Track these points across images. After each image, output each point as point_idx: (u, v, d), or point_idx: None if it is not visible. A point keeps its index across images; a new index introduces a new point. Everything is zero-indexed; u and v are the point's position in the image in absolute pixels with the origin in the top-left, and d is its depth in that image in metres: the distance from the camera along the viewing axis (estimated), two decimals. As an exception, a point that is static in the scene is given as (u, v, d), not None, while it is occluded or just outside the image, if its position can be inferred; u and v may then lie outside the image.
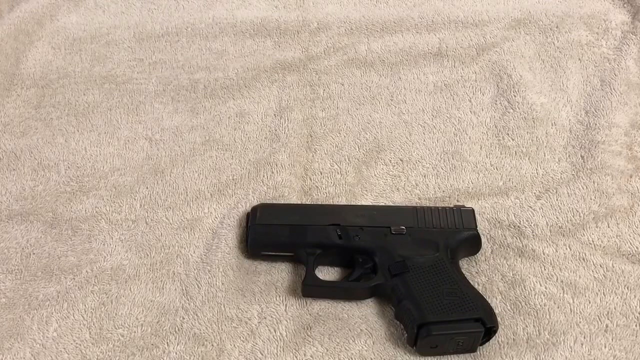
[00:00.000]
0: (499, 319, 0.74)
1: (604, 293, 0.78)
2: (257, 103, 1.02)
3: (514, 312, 0.77)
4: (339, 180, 0.92)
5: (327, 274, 0.83)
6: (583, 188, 0.89)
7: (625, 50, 1.06)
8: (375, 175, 0.93)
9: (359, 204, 0.89)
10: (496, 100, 1.01)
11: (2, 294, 0.80)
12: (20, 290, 0.80)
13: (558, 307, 0.77)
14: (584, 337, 0.74)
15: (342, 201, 0.89)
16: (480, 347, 0.74)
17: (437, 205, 0.86)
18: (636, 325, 0.76)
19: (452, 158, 0.94)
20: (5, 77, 1.06)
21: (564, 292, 0.79)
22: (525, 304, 0.78)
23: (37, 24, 1.14)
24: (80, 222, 0.87)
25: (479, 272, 0.81)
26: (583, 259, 0.82)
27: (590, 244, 0.83)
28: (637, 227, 0.85)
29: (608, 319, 0.76)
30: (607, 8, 1.13)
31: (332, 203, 0.89)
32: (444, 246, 0.80)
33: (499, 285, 0.80)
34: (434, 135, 0.97)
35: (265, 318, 0.77)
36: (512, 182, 0.91)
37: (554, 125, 0.97)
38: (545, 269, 0.81)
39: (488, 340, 0.74)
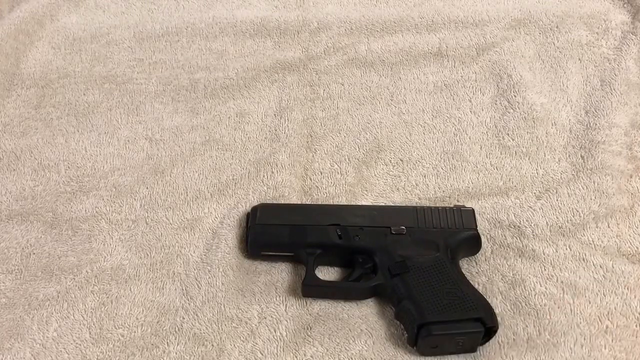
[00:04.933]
0: (499, 319, 0.74)
1: (604, 293, 0.78)
2: (257, 103, 1.02)
3: (514, 312, 0.77)
4: (339, 180, 0.92)
5: (327, 274, 0.83)
6: (583, 188, 0.89)
7: (625, 50, 1.06)
8: (375, 175, 0.93)
9: (359, 204, 0.89)
10: (496, 100, 1.01)
11: (2, 294, 0.80)
12: (20, 290, 0.80)
13: (558, 308, 0.77)
14: (584, 338, 0.74)
15: (342, 201, 0.89)
16: (481, 347, 0.74)
17: (437, 205, 0.86)
18: (636, 326, 0.76)
19: (452, 158, 0.94)
20: (5, 77, 1.06)
21: (564, 292, 0.79)
22: (526, 304, 0.78)
23: (37, 24, 1.14)
24: (80, 222, 0.87)
25: (479, 272, 0.81)
26: (583, 259, 0.82)
27: (590, 244, 0.83)
28: (637, 227, 0.85)
29: (608, 319, 0.76)
30: (607, 8, 1.13)
31: (332, 203, 0.89)
32: (444, 246, 0.80)
33: (499, 285, 0.80)
34: (434, 135, 0.97)
35: (265, 318, 0.77)
36: (512, 182, 0.91)
37: (554, 125, 0.97)
38: (545, 269, 0.81)
39: (488, 340, 0.74)
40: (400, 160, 0.94)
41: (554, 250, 0.83)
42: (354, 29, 1.12)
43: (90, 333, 0.76)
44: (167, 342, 0.75)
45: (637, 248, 0.82)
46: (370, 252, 0.80)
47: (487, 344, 0.74)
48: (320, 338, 0.76)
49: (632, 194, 0.88)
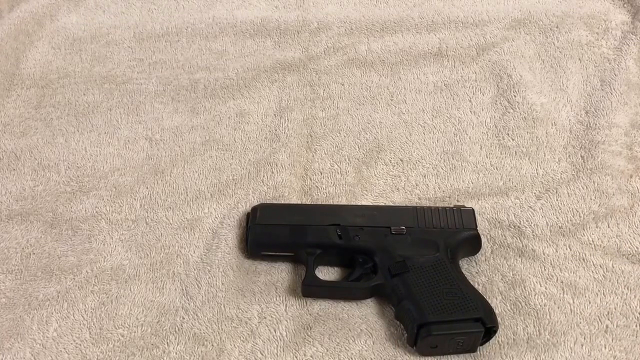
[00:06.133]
0: (499, 319, 0.74)
1: (604, 293, 0.78)
2: (257, 103, 1.02)
3: (514, 312, 0.77)
4: (339, 180, 0.92)
5: (327, 274, 0.83)
6: (583, 188, 0.89)
7: (625, 50, 1.06)
8: (375, 175, 0.93)
9: (359, 204, 0.89)
10: (496, 100, 1.01)
11: (2, 294, 0.80)
12: (20, 290, 0.80)
13: (558, 308, 0.77)
14: (584, 338, 0.74)
15: (342, 201, 0.89)
16: (481, 347, 0.74)
17: (437, 205, 0.86)
18: (636, 326, 0.76)
19: (452, 158, 0.94)
20: (5, 77, 1.06)
21: (564, 292, 0.79)
22: (526, 304, 0.78)
23: (37, 24, 1.14)
24: (80, 222, 0.87)
25: (479, 272, 0.81)
26: (583, 259, 0.82)
27: (590, 244, 0.83)
28: (637, 227, 0.85)
29: (608, 319, 0.76)
30: (607, 8, 1.13)
31: (332, 203, 0.89)
32: (444, 246, 0.80)
33: (499, 286, 0.80)
34: (434, 135, 0.97)
35: (265, 318, 0.77)
36: (512, 182, 0.91)
37: (554, 125, 0.97)
38: (545, 269, 0.81)
39: (488, 340, 0.74)
40: (400, 160, 0.94)
41: (554, 250, 0.83)
42: (354, 29, 1.12)
43: (90, 333, 0.76)
44: (167, 342, 0.75)
45: (637, 248, 0.83)
46: (370, 252, 0.80)
47: (487, 344, 0.74)
48: (320, 338, 0.76)
49: (632, 194, 0.88)
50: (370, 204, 0.89)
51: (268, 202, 0.88)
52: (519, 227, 0.85)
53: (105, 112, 1.01)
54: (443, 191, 0.90)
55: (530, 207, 0.87)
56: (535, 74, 1.04)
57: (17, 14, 1.13)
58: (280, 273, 0.82)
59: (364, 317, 0.78)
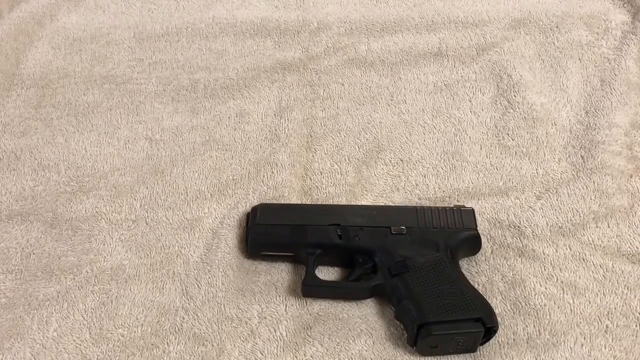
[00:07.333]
0: (499, 319, 0.74)
1: (604, 293, 0.78)
2: (257, 103, 1.02)
3: (514, 312, 0.77)
4: (339, 180, 0.92)
5: (327, 274, 0.83)
6: (583, 188, 0.89)
7: (625, 50, 1.06)
8: (375, 175, 0.93)
9: (359, 204, 0.89)
10: (496, 100, 1.01)
11: (2, 294, 0.80)
12: (20, 290, 0.80)
13: (558, 308, 0.77)
14: (584, 338, 0.74)
15: (342, 201, 0.89)
16: (481, 347, 0.74)
17: (437, 205, 0.86)
18: (636, 326, 0.76)
19: (452, 158, 0.94)
20: (5, 77, 1.06)
21: (564, 292, 0.79)
22: (526, 304, 0.78)
23: (37, 24, 1.14)
24: (80, 222, 0.87)
25: (479, 272, 0.81)
26: (583, 259, 0.82)
27: (590, 244, 0.83)
28: (637, 227, 0.85)
29: (608, 319, 0.76)
30: (607, 8, 1.13)
31: (332, 203, 0.89)
32: (444, 246, 0.80)
33: (499, 285, 0.80)
34: (434, 135, 0.97)
35: (265, 318, 0.77)
36: (512, 182, 0.91)
37: (554, 125, 0.97)
38: (545, 269, 0.81)
39: (488, 340, 0.74)
40: (400, 160, 0.94)
41: (554, 250, 0.83)
42: (354, 29, 1.12)
43: (90, 333, 0.76)
44: (167, 342, 0.75)
45: (637, 248, 0.83)
46: (370, 252, 0.80)
47: (487, 344, 0.74)
48: (320, 338, 0.76)
49: (632, 194, 0.88)
50: (370, 204, 0.89)
51: (268, 202, 0.88)
52: (519, 227, 0.85)
53: (105, 112, 1.01)
54: (443, 191, 0.90)
55: (530, 207, 0.87)
56: (535, 74, 1.05)
57: (17, 14, 1.13)
58: (280, 273, 0.82)
59: (364, 317, 0.78)
